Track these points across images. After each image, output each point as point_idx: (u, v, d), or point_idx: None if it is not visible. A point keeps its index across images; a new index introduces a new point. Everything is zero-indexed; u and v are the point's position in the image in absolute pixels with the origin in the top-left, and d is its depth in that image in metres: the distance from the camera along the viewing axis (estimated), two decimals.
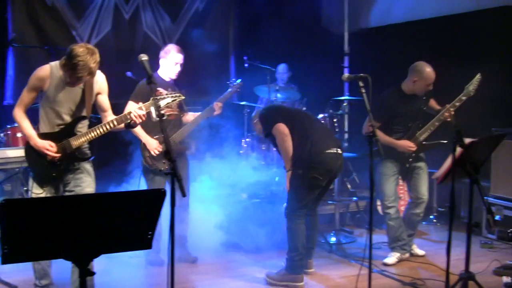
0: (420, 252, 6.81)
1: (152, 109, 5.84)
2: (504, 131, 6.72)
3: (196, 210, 6.57)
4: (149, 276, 6.14)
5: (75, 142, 4.73)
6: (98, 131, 4.73)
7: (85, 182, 4.88)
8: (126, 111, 5.95)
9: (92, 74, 4.58)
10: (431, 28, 8.87)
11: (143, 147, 6.10)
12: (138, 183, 6.21)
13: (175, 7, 9.50)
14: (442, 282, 5.06)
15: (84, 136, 4.74)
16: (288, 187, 5.80)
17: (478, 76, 6.23)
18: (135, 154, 6.67)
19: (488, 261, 6.45)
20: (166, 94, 4.96)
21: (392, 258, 6.54)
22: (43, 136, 4.74)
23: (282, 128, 5.76)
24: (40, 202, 3.10)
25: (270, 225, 6.94)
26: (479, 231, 7.48)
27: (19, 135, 6.83)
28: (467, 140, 4.71)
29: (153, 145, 6.05)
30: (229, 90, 6.64)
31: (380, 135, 6.19)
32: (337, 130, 8.14)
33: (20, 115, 4.78)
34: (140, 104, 4.81)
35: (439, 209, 8.43)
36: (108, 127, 4.73)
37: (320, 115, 8.01)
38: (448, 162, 4.94)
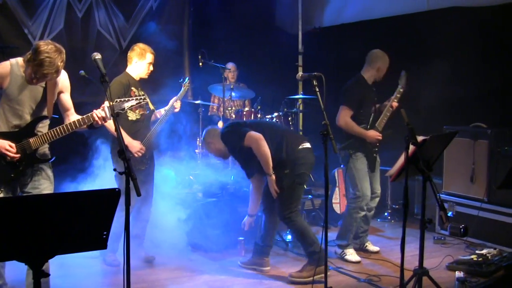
0: (374, 248, 6.89)
1: (106, 109, 5.81)
2: (456, 129, 6.83)
3: (152, 209, 6.51)
4: (106, 277, 6.07)
5: (35, 143, 4.55)
6: (59, 132, 4.56)
7: (43, 185, 4.71)
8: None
9: (58, 72, 4.46)
10: (383, 28, 8.97)
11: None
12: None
13: (129, 6, 9.41)
14: (397, 278, 5.12)
15: (44, 136, 4.57)
16: (276, 190, 5.81)
17: (403, 72, 6.62)
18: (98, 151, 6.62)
19: (441, 256, 6.56)
20: (122, 100, 4.83)
21: (354, 254, 6.60)
22: (2, 135, 4.53)
23: (254, 134, 5.77)
24: None
25: (227, 224, 6.93)
26: (432, 228, 7.59)
27: None
28: (420, 138, 4.76)
29: (137, 147, 5.96)
30: (182, 89, 6.64)
31: (353, 126, 6.46)
32: (292, 128, 8.18)
33: None
34: (104, 105, 4.69)
35: (393, 206, 8.53)
36: (70, 128, 4.57)
37: (275, 114, 8.03)
38: (401, 159, 4.99)
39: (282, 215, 5.95)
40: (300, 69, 10.07)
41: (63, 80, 4.77)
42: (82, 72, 6.87)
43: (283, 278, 6.00)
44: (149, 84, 6.78)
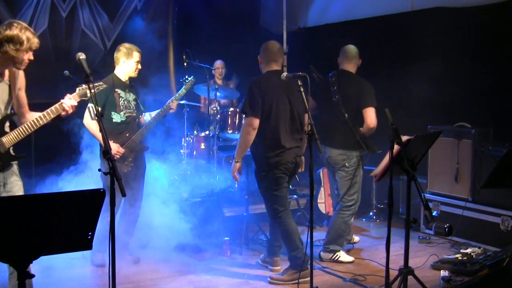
0: (356, 238, 7.12)
1: (91, 109, 5.79)
2: (440, 129, 6.86)
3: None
4: (92, 277, 6.05)
5: (8, 141, 4.46)
6: (30, 127, 4.50)
7: (17, 186, 4.62)
8: (86, 114, 5.87)
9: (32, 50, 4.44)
10: (367, 28, 9.00)
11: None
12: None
13: (113, 5, 9.37)
14: (382, 277, 5.14)
15: (16, 133, 4.48)
16: (236, 178, 5.94)
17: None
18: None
19: (426, 255, 6.59)
20: (85, 87, 4.76)
21: (346, 254, 6.63)
22: None
23: (252, 123, 5.74)
24: None
25: (212, 224, 6.93)
26: (417, 227, 7.62)
27: None
28: (404, 138, 4.78)
29: (114, 149, 5.92)
30: (183, 87, 6.63)
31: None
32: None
33: None
34: (69, 95, 4.63)
35: (378, 206, 8.56)
36: (41, 121, 4.50)
37: None
38: (385, 159, 5.01)
39: (269, 215, 5.99)
40: (285, 69, 10.06)
41: (22, 76, 4.68)
42: (66, 72, 6.83)
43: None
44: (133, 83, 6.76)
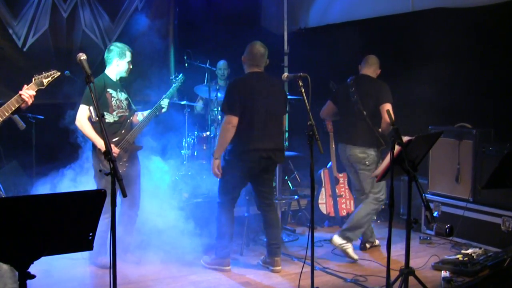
0: (377, 242, 7.13)
1: (92, 110, 5.79)
2: (441, 129, 6.86)
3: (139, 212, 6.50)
4: (92, 278, 6.04)
5: None
6: None
7: None
8: (79, 115, 5.86)
9: None
10: (368, 29, 9.00)
11: (99, 151, 5.87)
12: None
13: (114, 5, 9.37)
14: (383, 278, 5.13)
15: None
16: (217, 174, 6.12)
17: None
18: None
19: (427, 256, 6.59)
20: (40, 76, 4.77)
21: (354, 251, 6.68)
22: None
23: (231, 121, 5.99)
24: None
25: (212, 224, 6.93)
26: (418, 227, 7.62)
27: None
28: (405, 138, 4.78)
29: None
30: (174, 85, 6.63)
31: None
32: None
33: None
34: (26, 86, 4.60)
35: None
36: (3, 115, 4.47)
37: None
38: (386, 160, 5.01)
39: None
40: (285, 69, 10.06)
41: None
42: (67, 72, 6.85)
43: (271, 279, 6.00)
44: (134, 85, 6.78)
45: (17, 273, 3.06)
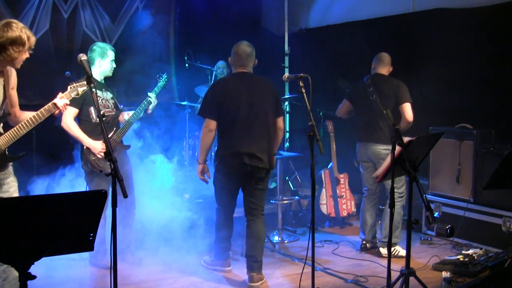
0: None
1: (92, 110, 5.79)
2: (442, 130, 6.86)
3: (139, 210, 6.50)
4: (92, 279, 6.04)
5: (3, 142, 4.42)
6: (25, 126, 4.45)
7: (13, 187, 4.61)
8: (65, 116, 5.84)
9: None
10: (368, 29, 8.98)
11: (87, 151, 5.90)
12: (85, 188, 6.11)
13: (115, 6, 9.37)
14: (384, 278, 5.13)
15: (12, 134, 4.44)
16: (204, 179, 6.04)
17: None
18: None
19: (427, 257, 6.59)
20: (75, 85, 4.76)
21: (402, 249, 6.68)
22: None
23: (209, 125, 5.84)
24: None
25: (212, 224, 6.93)
26: (418, 228, 7.62)
27: None
28: (406, 139, 4.78)
29: (98, 148, 5.90)
30: (159, 84, 6.60)
31: None
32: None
33: None
34: (61, 94, 4.63)
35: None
36: (35, 121, 4.48)
37: None
38: (387, 160, 5.01)
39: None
40: (286, 70, 10.08)
41: (14, 75, 4.61)
42: (68, 73, 6.84)
43: (271, 280, 6.01)
44: (134, 85, 6.78)
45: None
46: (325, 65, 9.66)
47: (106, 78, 6.21)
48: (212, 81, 8.54)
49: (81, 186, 6.48)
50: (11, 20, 4.35)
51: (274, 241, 7.17)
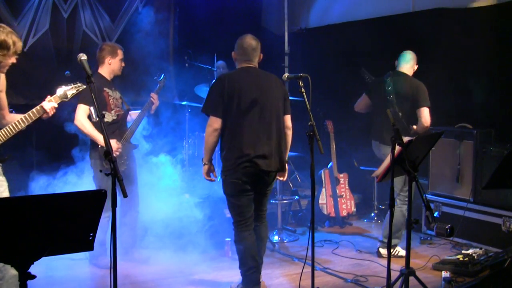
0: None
1: (92, 110, 5.79)
2: (441, 130, 6.86)
3: (140, 210, 6.51)
4: (93, 279, 6.04)
5: None
6: (13, 129, 4.45)
7: (2, 187, 4.63)
8: (78, 115, 5.85)
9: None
10: (368, 29, 8.98)
11: (101, 150, 5.86)
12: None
13: (115, 6, 9.37)
14: (384, 278, 5.13)
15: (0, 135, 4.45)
16: (211, 179, 5.51)
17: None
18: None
19: (427, 256, 6.60)
20: (65, 88, 4.77)
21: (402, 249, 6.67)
22: None
23: (213, 123, 5.31)
24: None
25: (213, 225, 6.94)
26: (418, 228, 7.62)
27: None
28: (406, 139, 4.78)
29: (114, 147, 5.90)
30: (158, 85, 6.64)
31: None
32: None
33: None
34: (49, 97, 4.63)
35: (380, 206, 8.55)
36: (23, 124, 4.47)
37: None
38: (387, 160, 5.01)
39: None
40: (286, 70, 10.06)
41: (3, 78, 4.60)
42: (67, 73, 6.85)
43: (271, 279, 6.02)
44: (134, 85, 6.78)
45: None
46: (325, 65, 9.66)
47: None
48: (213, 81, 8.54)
49: (80, 186, 6.49)
50: (0, 24, 4.34)
51: (274, 241, 7.17)
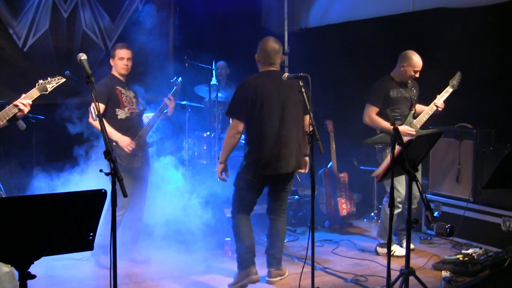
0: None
1: (92, 109, 5.80)
2: (441, 129, 6.86)
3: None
4: (93, 278, 6.04)
5: None
6: None
7: None
8: (92, 112, 5.87)
9: None
10: (368, 29, 8.98)
11: (116, 145, 5.98)
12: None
13: (115, 6, 9.37)
14: (384, 278, 5.13)
15: None
16: (223, 178, 5.81)
17: (459, 73, 6.63)
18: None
19: (427, 256, 6.60)
20: (42, 82, 4.75)
21: (400, 248, 6.79)
22: None
23: (236, 126, 5.67)
24: None
25: (213, 224, 6.93)
26: (418, 228, 7.62)
27: None
28: (405, 138, 4.78)
29: (126, 142, 6.02)
30: (175, 88, 6.75)
31: (379, 121, 6.56)
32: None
33: None
34: (24, 94, 4.57)
35: (380, 206, 8.54)
36: None
37: None
38: (387, 160, 5.02)
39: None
40: (286, 69, 10.07)
41: None
42: (67, 72, 6.85)
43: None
44: (134, 85, 6.77)
45: (17, 273, 3.07)
46: (325, 65, 9.66)
47: None
48: (212, 81, 8.54)
49: (80, 185, 6.49)
50: None
51: None
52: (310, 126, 4.80)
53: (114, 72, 6.30)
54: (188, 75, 8.31)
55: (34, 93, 4.63)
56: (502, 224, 6.79)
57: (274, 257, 5.96)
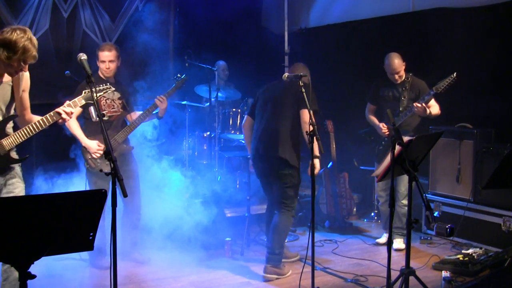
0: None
1: (92, 110, 5.80)
2: (441, 129, 6.86)
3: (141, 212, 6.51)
4: (92, 279, 6.04)
5: (7, 143, 4.37)
6: (30, 130, 4.38)
7: (18, 188, 4.55)
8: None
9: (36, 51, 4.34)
10: (368, 29, 8.99)
11: (84, 150, 5.97)
12: (85, 187, 6.13)
13: (115, 6, 9.37)
14: (384, 278, 5.13)
15: (16, 136, 4.38)
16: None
17: (453, 75, 6.44)
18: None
19: (427, 256, 6.60)
20: (98, 89, 4.74)
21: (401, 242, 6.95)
22: None
23: (245, 122, 6.52)
24: None
25: (213, 224, 6.93)
26: (418, 228, 7.62)
27: None
28: (406, 138, 4.78)
29: (94, 147, 5.92)
30: (174, 85, 6.59)
31: (369, 118, 7.04)
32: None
33: None
34: (68, 101, 4.52)
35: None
36: (40, 126, 4.39)
37: None
38: (387, 160, 5.01)
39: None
40: (286, 69, 10.08)
41: (27, 78, 4.58)
42: (67, 72, 6.85)
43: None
44: (134, 85, 6.77)
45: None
46: (325, 65, 9.66)
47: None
48: (212, 81, 8.54)
49: (80, 185, 6.49)
50: (23, 27, 4.26)
51: None
52: (310, 126, 4.80)
53: (99, 73, 6.18)
54: (188, 75, 8.30)
55: (80, 101, 4.56)
56: (502, 224, 6.79)
57: (272, 252, 5.98)
